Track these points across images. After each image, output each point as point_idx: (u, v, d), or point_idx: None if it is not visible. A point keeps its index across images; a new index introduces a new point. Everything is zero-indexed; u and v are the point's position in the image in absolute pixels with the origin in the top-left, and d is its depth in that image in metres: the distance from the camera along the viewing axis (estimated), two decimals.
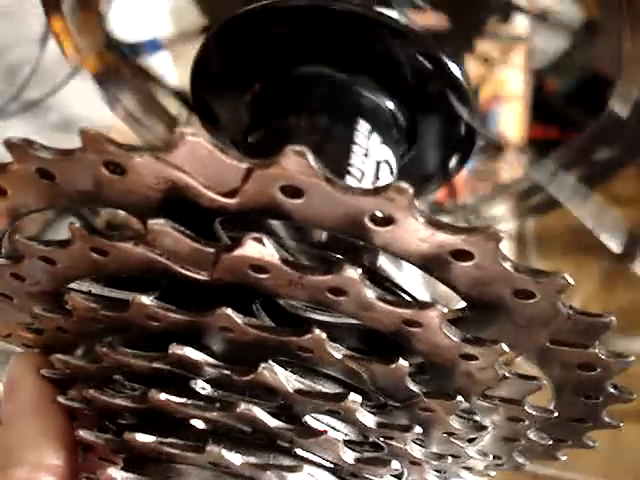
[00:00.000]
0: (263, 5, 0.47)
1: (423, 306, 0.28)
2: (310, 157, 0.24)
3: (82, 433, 0.34)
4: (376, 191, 0.25)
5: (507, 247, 1.37)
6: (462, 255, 0.27)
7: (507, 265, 0.27)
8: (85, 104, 0.61)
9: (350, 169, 0.45)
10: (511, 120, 1.36)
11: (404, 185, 0.25)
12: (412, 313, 0.28)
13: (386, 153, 0.48)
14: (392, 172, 0.49)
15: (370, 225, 0.26)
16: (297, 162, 0.25)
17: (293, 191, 0.26)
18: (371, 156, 0.46)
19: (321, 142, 0.45)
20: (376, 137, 0.47)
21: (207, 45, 0.49)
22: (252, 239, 0.27)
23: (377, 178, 0.47)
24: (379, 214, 0.26)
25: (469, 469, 0.42)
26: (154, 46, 0.86)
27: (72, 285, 0.34)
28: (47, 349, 0.37)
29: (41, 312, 0.34)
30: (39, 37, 0.66)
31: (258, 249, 0.27)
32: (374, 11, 0.46)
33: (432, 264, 0.28)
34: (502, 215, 0.70)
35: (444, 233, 0.26)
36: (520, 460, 0.41)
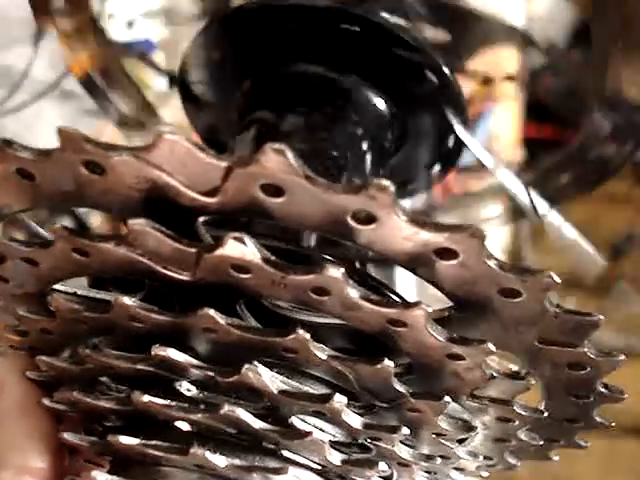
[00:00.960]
0: (254, 3, 0.47)
1: (408, 305, 0.28)
2: (290, 155, 0.24)
3: (66, 435, 0.34)
4: (357, 189, 0.25)
5: (502, 245, 1.36)
6: (447, 253, 0.27)
7: (492, 263, 0.27)
8: None
9: (340, 167, 0.45)
10: (505, 120, 1.35)
11: (385, 183, 0.24)
12: (396, 312, 0.28)
13: (376, 151, 0.47)
14: (382, 170, 0.48)
15: (353, 224, 0.26)
16: (277, 160, 0.24)
17: (274, 190, 0.25)
18: (361, 153, 0.46)
19: (311, 140, 0.44)
20: (366, 135, 0.47)
21: (196, 43, 0.48)
22: (233, 238, 0.26)
23: (368, 176, 0.46)
24: (361, 212, 0.25)
25: (460, 470, 0.41)
26: (148, 46, 0.86)
27: (58, 286, 0.34)
28: (33, 351, 0.37)
29: (25, 314, 0.34)
30: (32, 39, 0.66)
31: (239, 248, 0.27)
32: (364, 10, 0.46)
33: (417, 263, 0.28)
34: (497, 215, 0.70)
35: (428, 231, 0.26)
36: (512, 460, 0.41)
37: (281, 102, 0.47)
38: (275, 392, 0.30)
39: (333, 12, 0.46)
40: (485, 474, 0.43)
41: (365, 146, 0.47)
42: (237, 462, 0.31)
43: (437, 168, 0.52)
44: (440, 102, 0.47)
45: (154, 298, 0.32)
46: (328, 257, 0.35)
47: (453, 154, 0.51)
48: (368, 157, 0.47)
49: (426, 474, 0.39)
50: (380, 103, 0.47)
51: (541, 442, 0.38)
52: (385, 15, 0.46)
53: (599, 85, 0.50)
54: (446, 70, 0.45)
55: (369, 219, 0.26)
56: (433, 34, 0.55)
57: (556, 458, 0.42)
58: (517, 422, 0.36)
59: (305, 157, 0.43)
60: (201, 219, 0.31)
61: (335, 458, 0.32)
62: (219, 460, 0.30)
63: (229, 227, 0.36)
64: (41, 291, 0.33)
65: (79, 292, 0.35)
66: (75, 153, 0.26)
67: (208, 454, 0.30)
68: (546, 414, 0.35)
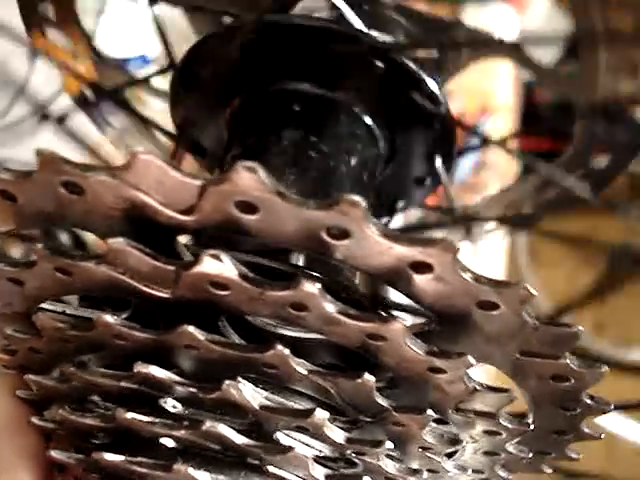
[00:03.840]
0: (242, 23, 0.48)
1: (385, 320, 0.28)
2: (261, 172, 0.25)
3: (54, 453, 0.34)
4: (329, 205, 0.25)
5: (500, 258, 1.36)
6: (421, 267, 0.27)
7: (467, 276, 0.27)
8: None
9: (330, 184, 0.46)
10: (499, 132, 1.35)
11: (356, 198, 0.25)
12: (375, 327, 0.28)
13: (366, 165, 0.48)
14: (373, 185, 0.49)
15: (328, 239, 0.26)
16: (248, 178, 0.25)
17: (248, 207, 0.26)
18: (351, 169, 0.46)
19: (299, 157, 0.45)
20: (356, 151, 0.47)
21: (186, 61, 0.49)
22: (209, 255, 0.27)
23: (357, 192, 0.46)
24: (335, 228, 0.26)
25: None
26: (143, 62, 0.87)
27: (46, 306, 0.34)
28: (23, 370, 0.37)
29: (12, 333, 0.34)
30: (28, 53, 0.66)
31: (216, 265, 0.27)
32: (350, 27, 0.46)
33: (394, 277, 0.28)
34: (494, 227, 0.70)
35: (401, 245, 0.26)
36: (503, 474, 0.41)
37: (270, 120, 0.47)
38: (257, 407, 0.31)
39: (322, 31, 0.46)
40: None
41: (354, 161, 0.47)
42: (221, 478, 0.32)
43: (428, 181, 0.53)
44: (427, 116, 0.47)
45: (141, 316, 0.33)
46: (311, 273, 0.35)
47: (446, 152, 0.51)
48: (358, 172, 0.47)
49: None
50: (368, 119, 0.48)
51: (530, 455, 0.38)
52: (371, 32, 0.46)
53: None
54: (432, 85, 0.46)
55: (343, 234, 0.26)
56: (421, 53, 0.55)
57: (549, 471, 0.42)
58: (504, 435, 0.35)
59: (294, 174, 0.44)
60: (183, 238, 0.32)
61: (319, 473, 0.32)
62: (203, 476, 0.31)
63: (219, 245, 0.37)
64: (29, 310, 0.34)
65: (67, 311, 0.35)
66: (54, 174, 0.26)
67: (191, 470, 0.30)
68: (532, 426, 0.35)
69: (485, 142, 0.72)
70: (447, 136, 0.49)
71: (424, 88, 0.46)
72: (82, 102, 0.58)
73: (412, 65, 0.46)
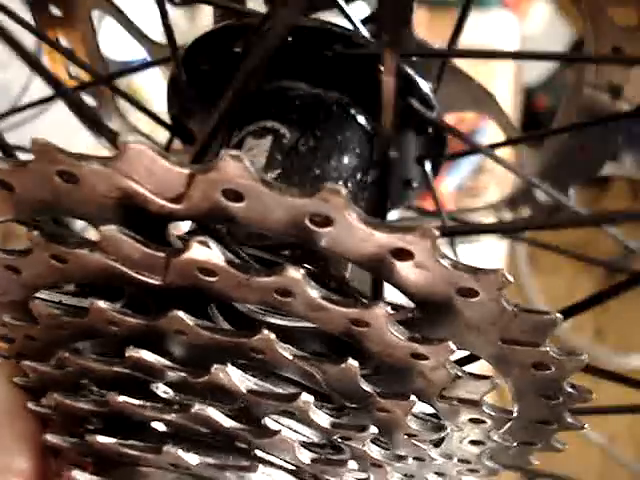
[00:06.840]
0: (237, 22, 0.49)
1: (367, 305, 0.29)
2: (246, 161, 0.26)
3: (49, 437, 0.35)
4: (312, 192, 0.26)
5: (500, 265, 1.36)
6: (402, 254, 0.28)
7: (445, 263, 0.28)
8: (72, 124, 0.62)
9: (322, 181, 0.46)
10: (499, 137, 1.35)
11: (337, 186, 0.26)
12: (357, 312, 0.29)
13: (358, 164, 0.49)
14: (366, 182, 0.50)
15: (311, 226, 0.27)
16: (234, 166, 0.26)
17: (234, 195, 0.27)
18: (342, 167, 0.47)
19: (292, 155, 0.46)
20: (347, 148, 0.48)
21: (182, 62, 0.50)
22: (197, 242, 0.28)
23: (350, 188, 0.47)
24: (318, 215, 0.27)
25: (440, 474, 0.42)
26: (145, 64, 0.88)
27: (44, 296, 0.35)
28: (21, 358, 0.38)
29: (9, 320, 0.35)
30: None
31: (204, 252, 0.28)
32: (343, 28, 0.47)
33: (377, 265, 0.29)
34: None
35: (382, 232, 0.27)
36: (490, 464, 0.41)
37: (264, 117, 0.48)
38: (244, 391, 0.31)
39: (315, 31, 0.47)
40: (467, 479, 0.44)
41: (346, 160, 0.48)
42: (210, 460, 0.33)
43: (416, 183, 0.54)
44: (418, 119, 0.49)
45: (135, 307, 0.34)
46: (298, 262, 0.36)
47: (432, 169, 0.52)
48: (350, 171, 0.48)
49: (402, 476, 0.39)
50: (361, 118, 0.49)
51: (515, 444, 0.39)
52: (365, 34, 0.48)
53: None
54: (424, 88, 0.47)
55: (326, 222, 0.27)
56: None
57: (536, 462, 0.42)
58: (489, 423, 0.36)
59: (286, 170, 0.45)
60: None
61: (305, 457, 0.33)
62: (191, 458, 0.32)
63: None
64: (26, 299, 0.35)
65: (64, 301, 0.36)
66: (49, 163, 0.27)
67: (181, 452, 0.31)
68: (515, 415, 0.36)
69: (474, 150, 0.72)
70: (438, 140, 0.50)
71: (418, 91, 0.48)
72: (77, 104, 0.59)
73: (408, 69, 0.47)
